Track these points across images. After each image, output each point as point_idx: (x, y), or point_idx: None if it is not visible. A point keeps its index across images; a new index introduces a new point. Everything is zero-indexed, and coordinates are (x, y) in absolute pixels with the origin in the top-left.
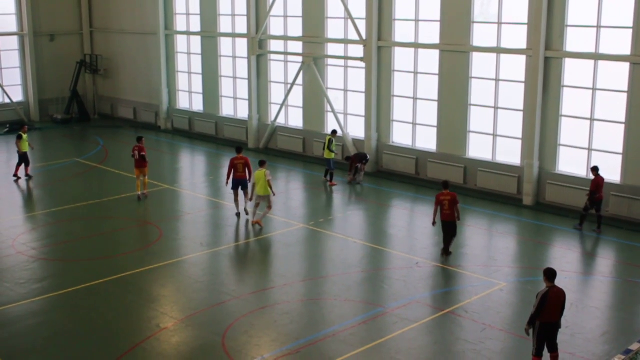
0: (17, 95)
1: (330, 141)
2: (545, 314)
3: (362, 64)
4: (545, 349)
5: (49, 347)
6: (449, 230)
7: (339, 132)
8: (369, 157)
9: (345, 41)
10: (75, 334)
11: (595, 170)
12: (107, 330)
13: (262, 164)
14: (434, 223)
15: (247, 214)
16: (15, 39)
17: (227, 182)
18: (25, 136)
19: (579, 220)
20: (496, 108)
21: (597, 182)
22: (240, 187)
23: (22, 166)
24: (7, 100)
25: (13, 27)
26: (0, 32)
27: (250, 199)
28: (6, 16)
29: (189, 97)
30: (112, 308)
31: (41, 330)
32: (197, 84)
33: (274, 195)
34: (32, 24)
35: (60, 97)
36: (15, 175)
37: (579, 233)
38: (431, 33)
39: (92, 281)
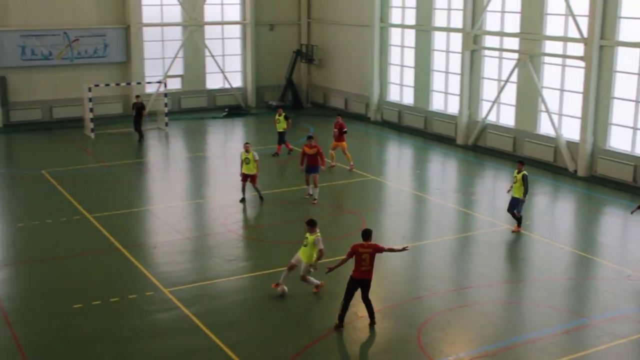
0: (237, 81)
1: None
2: None
3: (582, 63)
4: None
5: (250, 323)
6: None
7: (553, 134)
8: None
9: (565, 39)
10: (275, 312)
11: None
12: (299, 315)
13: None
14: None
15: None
16: (237, 27)
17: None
18: (279, 117)
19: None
20: None
21: None
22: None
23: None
24: (227, 86)
25: (237, 16)
26: (225, 21)
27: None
28: (231, 6)
29: (400, 90)
30: (297, 297)
31: (245, 305)
32: (409, 77)
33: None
34: (254, 13)
35: (276, 84)
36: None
37: None
38: None
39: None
